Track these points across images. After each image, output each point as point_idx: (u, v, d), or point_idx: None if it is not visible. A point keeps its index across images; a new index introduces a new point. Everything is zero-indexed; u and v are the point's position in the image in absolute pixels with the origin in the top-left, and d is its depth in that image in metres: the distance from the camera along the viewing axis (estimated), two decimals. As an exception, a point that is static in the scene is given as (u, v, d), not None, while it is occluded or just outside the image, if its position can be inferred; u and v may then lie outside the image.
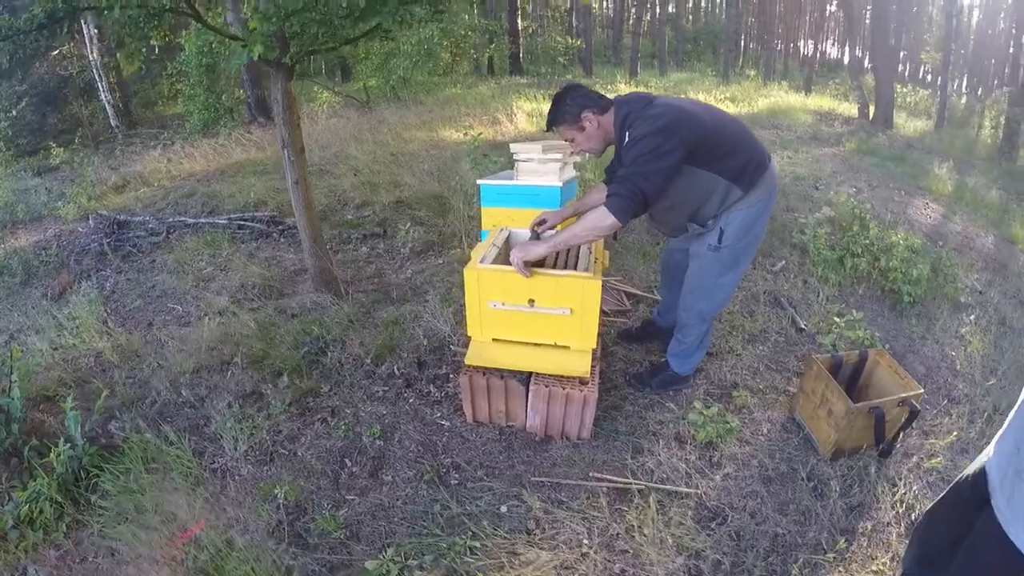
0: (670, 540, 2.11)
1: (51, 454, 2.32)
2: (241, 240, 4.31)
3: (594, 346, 2.45)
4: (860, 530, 2.21)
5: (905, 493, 2.38)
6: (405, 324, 3.29)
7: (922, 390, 2.55)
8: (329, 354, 3.09)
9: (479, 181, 3.48)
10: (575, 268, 2.51)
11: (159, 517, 2.22)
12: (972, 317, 3.80)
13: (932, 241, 4.89)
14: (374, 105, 9.36)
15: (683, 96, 2.39)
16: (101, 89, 10.79)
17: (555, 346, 2.44)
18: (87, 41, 10.45)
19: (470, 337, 2.50)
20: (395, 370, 2.95)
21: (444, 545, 2.10)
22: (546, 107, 9.89)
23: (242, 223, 4.37)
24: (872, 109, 10.81)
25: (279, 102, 3.02)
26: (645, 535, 2.12)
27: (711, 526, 2.17)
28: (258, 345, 3.15)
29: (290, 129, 3.10)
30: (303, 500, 2.31)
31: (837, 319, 3.39)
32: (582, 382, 2.42)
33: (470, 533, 2.14)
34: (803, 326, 3.42)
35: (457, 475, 2.41)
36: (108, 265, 4.34)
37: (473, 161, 4.42)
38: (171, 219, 4.57)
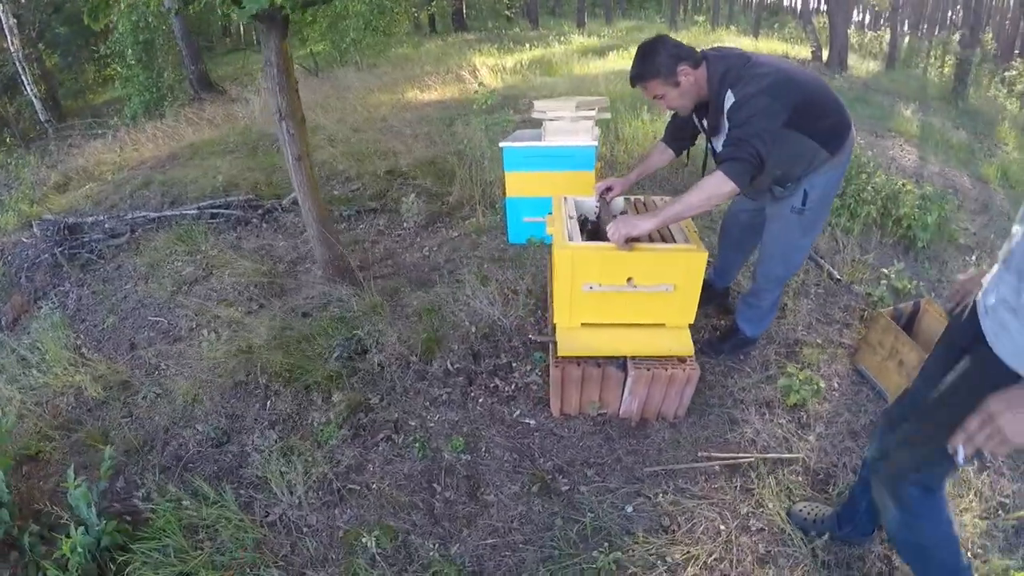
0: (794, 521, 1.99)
1: (63, 546, 1.82)
2: (218, 230, 3.71)
3: (692, 321, 2.21)
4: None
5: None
6: (443, 310, 2.89)
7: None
8: (367, 356, 2.65)
9: (502, 144, 3.15)
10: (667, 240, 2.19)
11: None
12: (974, 257, 3.97)
13: (919, 183, 5.11)
14: (324, 72, 8.71)
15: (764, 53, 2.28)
16: (25, 83, 9.80)
17: (649, 326, 2.20)
18: (6, 32, 9.33)
19: (554, 324, 2.23)
20: (449, 366, 2.57)
21: (584, 565, 1.84)
22: (507, 60, 9.59)
23: (215, 211, 3.77)
24: (826, 52, 11.16)
25: (273, 64, 2.42)
26: (770, 508, 2.02)
27: (826, 489, 2.12)
28: (277, 356, 2.65)
29: (288, 97, 2.50)
30: (401, 544, 1.93)
31: (885, 270, 3.48)
32: (681, 360, 2.19)
33: (606, 544, 1.90)
34: (839, 277, 3.46)
35: (565, 479, 2.11)
36: (66, 278, 3.67)
37: (484, 123, 4.11)
38: (131, 215, 3.87)
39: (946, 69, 11.91)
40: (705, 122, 2.15)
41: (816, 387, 2.47)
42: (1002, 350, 1.16)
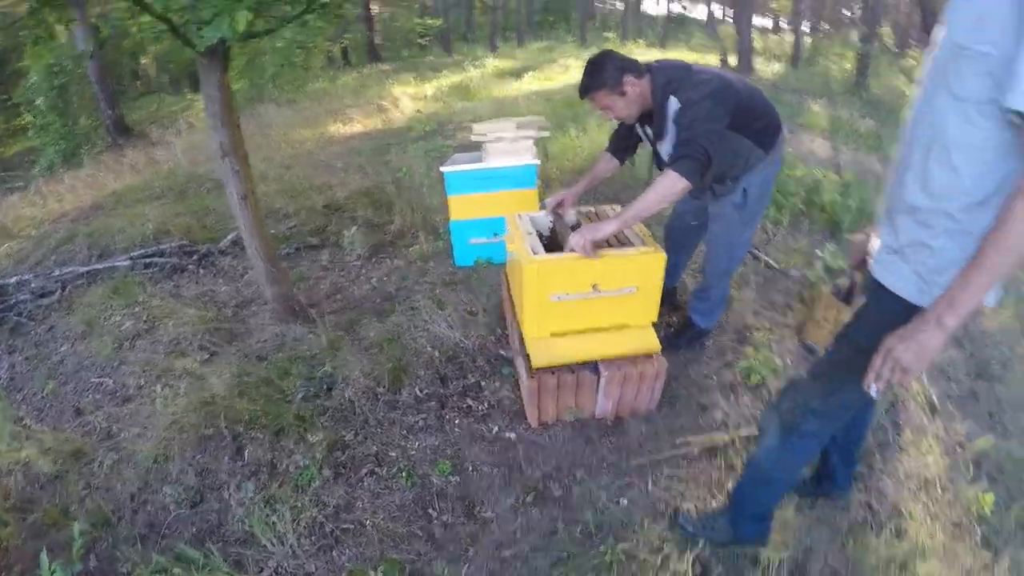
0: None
1: None
2: (154, 280, 3.54)
3: (655, 319, 2.33)
4: (903, 421, 2.53)
5: (919, 386, 2.70)
6: (403, 338, 2.88)
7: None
8: (333, 393, 2.60)
9: (443, 168, 3.19)
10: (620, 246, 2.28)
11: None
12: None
13: (837, 172, 5.51)
14: (243, 110, 8.51)
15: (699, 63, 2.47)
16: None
17: (615, 328, 2.29)
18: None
19: (520, 338, 2.29)
20: (419, 392, 2.58)
21: (595, 560, 1.90)
22: (427, 88, 9.66)
23: (149, 259, 3.59)
24: (733, 58, 11.83)
25: (214, 99, 2.35)
26: None
27: None
28: (240, 404, 2.55)
29: (230, 132, 2.44)
30: (409, 575, 1.95)
31: (818, 251, 3.72)
32: (648, 356, 2.31)
33: (611, 538, 1.97)
34: (775, 265, 3.71)
35: (557, 485, 2.17)
36: None
37: (423, 149, 4.15)
38: (58, 272, 3.63)
39: (848, 64, 12.85)
40: (649, 130, 2.28)
41: (774, 366, 2.64)
42: (892, 284, 1.33)
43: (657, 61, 2.18)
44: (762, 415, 1.86)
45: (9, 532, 2.26)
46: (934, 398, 2.73)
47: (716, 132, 2.03)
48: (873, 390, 1.25)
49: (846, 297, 3.00)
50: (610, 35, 19.84)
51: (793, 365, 2.81)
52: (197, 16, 1.71)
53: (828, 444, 2.00)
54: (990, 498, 2.16)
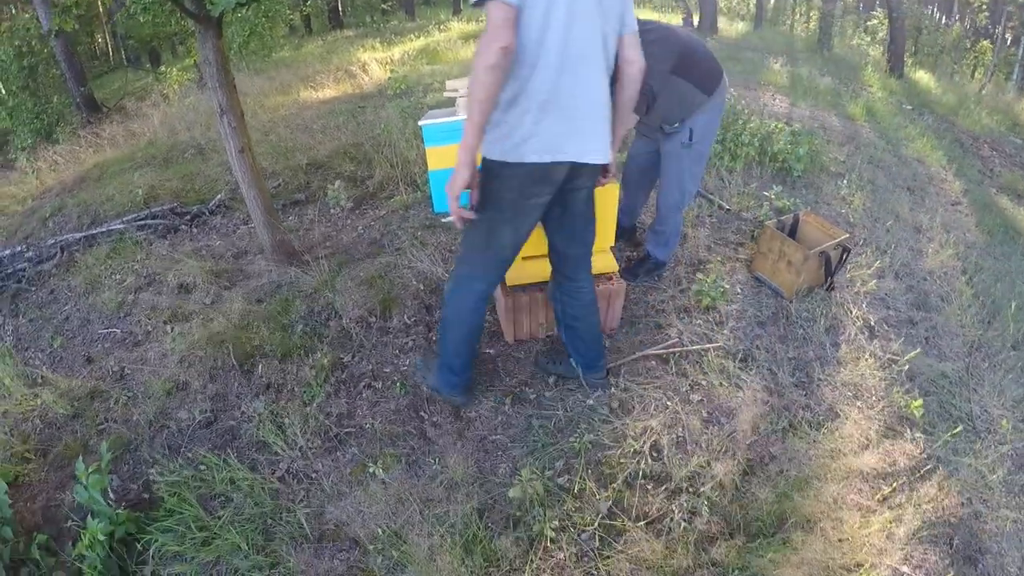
0: (726, 383, 2.56)
1: (82, 538, 1.93)
2: (149, 241, 3.79)
3: (612, 244, 2.67)
4: (841, 340, 2.89)
5: (858, 312, 3.21)
6: (390, 275, 3.18)
7: (848, 234, 3.36)
8: (330, 323, 2.91)
9: (421, 122, 3.43)
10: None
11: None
12: (845, 182, 4.79)
13: (789, 124, 5.94)
14: (206, 82, 8.67)
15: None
16: None
17: None
18: None
19: None
20: (407, 320, 2.88)
21: (565, 448, 2.23)
22: (393, 53, 9.83)
23: (141, 223, 3.85)
24: (696, 17, 12.28)
25: (211, 63, 2.61)
26: (703, 384, 2.55)
27: (747, 365, 2.66)
28: (245, 337, 2.86)
29: (227, 92, 2.70)
30: (405, 465, 2.25)
31: (766, 193, 4.17)
32: (608, 277, 2.66)
33: (579, 430, 2.30)
34: (728, 207, 4.13)
35: (531, 390, 2.50)
36: None
37: (399, 107, 4.47)
38: (53, 240, 3.86)
39: (811, 24, 13.39)
40: None
41: (723, 289, 3.06)
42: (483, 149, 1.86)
43: None
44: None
45: (30, 468, 2.54)
46: (872, 322, 3.20)
47: (660, 73, 2.38)
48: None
49: (790, 231, 3.45)
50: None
51: (742, 292, 3.24)
52: None
53: (568, 342, 2.46)
54: (919, 403, 2.56)
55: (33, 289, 3.66)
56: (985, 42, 15.84)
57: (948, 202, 5.32)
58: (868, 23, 14.46)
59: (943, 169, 6.11)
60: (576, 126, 1.84)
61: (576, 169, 1.91)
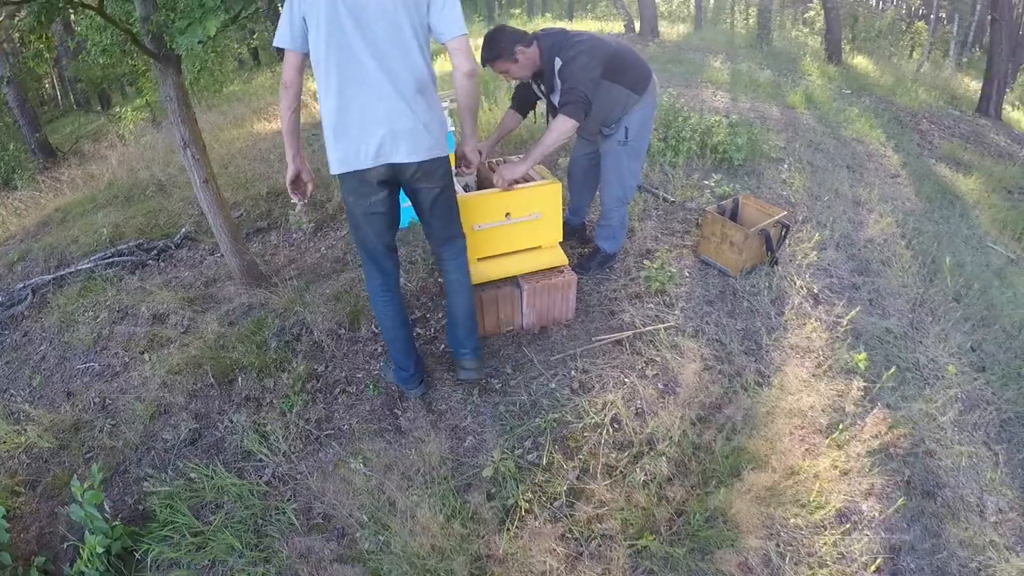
0: (679, 356, 2.79)
1: (81, 556, 2.06)
2: (118, 278, 3.90)
3: (560, 239, 2.91)
4: (788, 311, 3.16)
5: (801, 282, 3.49)
6: (355, 290, 3.36)
7: (786, 212, 3.66)
8: (302, 338, 3.07)
9: None
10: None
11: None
12: (786, 166, 5.12)
13: (726, 116, 6.27)
14: (160, 121, 8.81)
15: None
16: None
17: (530, 250, 2.86)
18: None
19: None
20: (374, 328, 3.05)
21: (532, 428, 2.44)
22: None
23: (109, 260, 3.97)
24: (638, 23, 12.75)
25: (173, 99, 2.77)
26: (658, 360, 2.78)
27: (698, 339, 2.91)
28: (222, 356, 3.01)
29: (189, 126, 2.87)
30: (384, 457, 2.42)
31: (707, 181, 4.44)
32: (560, 271, 2.90)
33: (543, 411, 2.51)
34: (672, 199, 4.39)
35: (497, 380, 2.71)
36: None
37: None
38: (21, 284, 3.97)
39: (751, 21, 14.01)
40: (542, 86, 2.88)
41: (670, 273, 3.31)
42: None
43: (542, 30, 2.78)
44: None
45: (21, 501, 2.64)
46: (815, 290, 3.49)
47: (592, 80, 2.64)
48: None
49: (731, 215, 3.73)
50: (516, 11, 20.55)
51: (690, 275, 3.50)
52: (173, 28, 2.20)
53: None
54: (863, 356, 2.85)
55: (6, 333, 3.76)
56: (920, 23, 16.67)
57: (887, 176, 5.69)
58: (805, 15, 15.15)
59: (882, 146, 6.52)
60: (361, 139, 2.10)
61: (396, 169, 2.18)
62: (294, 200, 2.38)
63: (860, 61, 11.64)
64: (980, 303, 3.57)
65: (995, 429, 2.73)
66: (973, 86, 10.70)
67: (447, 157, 2.27)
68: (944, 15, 17.12)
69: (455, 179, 3.02)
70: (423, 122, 2.13)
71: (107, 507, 2.32)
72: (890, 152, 6.38)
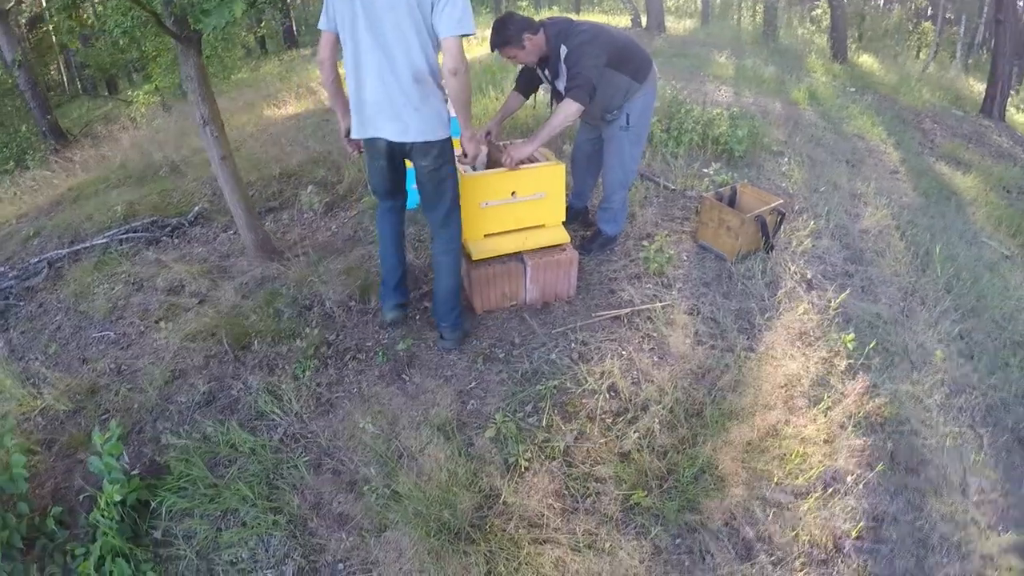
0: (677, 332, 2.93)
1: (98, 504, 2.15)
2: (132, 253, 4.04)
3: (564, 219, 3.06)
4: (781, 294, 3.28)
5: (796, 268, 3.64)
6: (366, 265, 3.50)
7: (782, 200, 3.80)
8: (314, 309, 3.21)
9: None
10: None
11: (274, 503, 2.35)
12: (786, 159, 5.26)
13: (727, 109, 6.39)
14: (170, 105, 8.99)
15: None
16: None
17: (534, 228, 3.00)
18: None
19: (465, 241, 2.92)
20: None
21: (532, 394, 2.58)
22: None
23: (124, 236, 4.11)
24: (644, 17, 12.89)
25: (193, 78, 2.90)
26: (654, 335, 2.92)
27: (694, 317, 3.05)
28: (236, 324, 3.14)
29: (208, 105, 3.00)
30: (392, 418, 2.56)
31: (706, 170, 4.58)
32: (562, 249, 3.05)
33: (544, 378, 2.64)
34: (673, 187, 4.52)
35: (500, 350, 2.84)
36: None
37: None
38: (36, 258, 4.11)
39: (757, 17, 14.13)
40: (547, 71, 3.02)
41: (668, 255, 3.45)
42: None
43: (549, 18, 2.94)
44: None
45: (38, 459, 2.75)
46: (809, 275, 3.63)
47: (597, 67, 2.79)
48: None
49: (729, 202, 3.87)
50: (523, 3, 20.63)
51: (688, 259, 3.65)
52: (198, 9, 2.35)
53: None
54: (851, 337, 2.98)
55: (22, 304, 3.88)
56: (927, 23, 16.77)
57: (886, 171, 5.83)
58: (812, 13, 15.26)
59: (883, 143, 6.65)
60: (369, 115, 2.46)
61: (394, 145, 2.49)
62: (349, 151, 2.79)
63: (866, 60, 11.76)
64: (971, 294, 3.71)
65: (980, 413, 2.86)
66: (978, 88, 10.81)
67: (441, 142, 2.50)
68: (951, 16, 17.21)
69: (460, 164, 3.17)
70: (414, 107, 2.39)
71: (125, 460, 2.45)
72: (891, 149, 6.52)
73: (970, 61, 15.82)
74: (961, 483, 2.50)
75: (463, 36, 2.27)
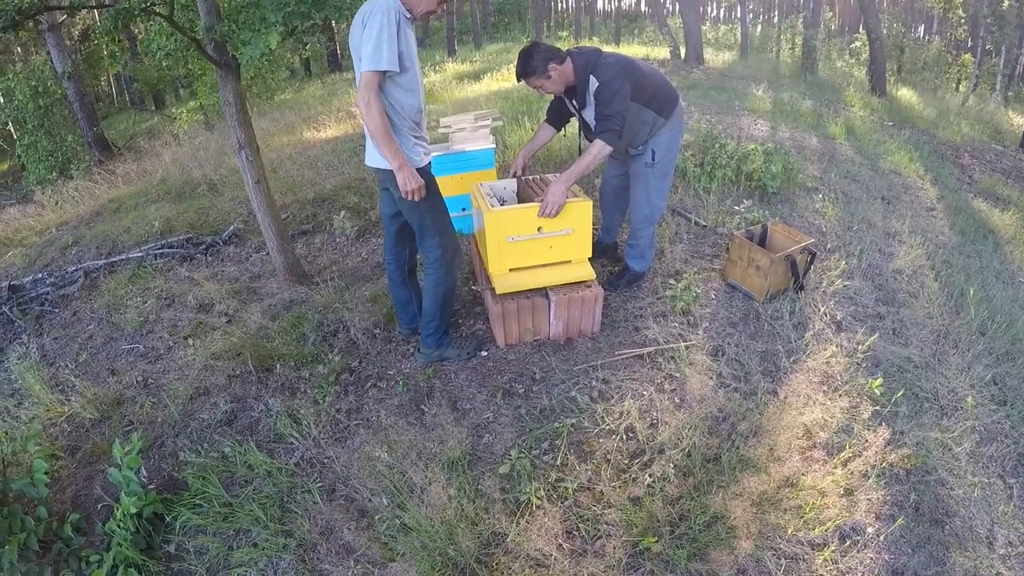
0: (699, 374, 2.89)
1: (115, 515, 2.19)
2: (166, 268, 4.15)
3: (590, 255, 3.04)
4: (809, 336, 3.19)
5: (825, 309, 3.57)
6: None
7: (813, 239, 3.74)
8: (339, 335, 3.25)
9: None
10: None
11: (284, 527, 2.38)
12: (820, 196, 5.18)
13: (762, 144, 6.35)
14: (213, 123, 9.29)
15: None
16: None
17: (559, 263, 3.00)
18: None
19: (488, 273, 2.98)
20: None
21: (549, 431, 2.56)
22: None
23: (159, 251, 4.21)
24: (683, 49, 12.91)
25: (231, 103, 2.99)
26: (676, 376, 2.88)
27: (718, 358, 2.99)
28: (262, 346, 3.20)
29: (245, 130, 3.09)
30: (408, 449, 2.56)
31: (737, 208, 4.55)
32: (588, 285, 3.03)
33: (562, 416, 2.62)
34: (704, 223, 4.48)
35: (520, 385, 2.83)
36: (22, 332, 3.96)
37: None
38: (74, 267, 4.25)
39: (796, 50, 14.07)
40: (575, 101, 3.03)
41: (695, 294, 3.42)
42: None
43: (576, 48, 2.94)
44: None
45: (60, 464, 2.84)
46: (839, 317, 3.55)
47: (627, 106, 2.81)
48: None
49: (760, 240, 3.82)
50: (564, 34, 20.85)
51: (716, 297, 3.60)
52: (236, 39, 2.44)
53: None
54: (879, 382, 2.88)
55: (56, 311, 4.02)
56: (966, 55, 16.48)
57: (923, 208, 5.70)
58: (852, 46, 15.14)
59: (920, 179, 6.51)
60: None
61: (373, 170, 2.70)
62: None
63: (905, 93, 11.59)
64: (1006, 337, 3.58)
65: (1012, 463, 2.75)
66: (1018, 121, 10.57)
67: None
68: (991, 47, 16.87)
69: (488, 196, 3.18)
70: (368, 135, 2.54)
71: (144, 474, 2.51)
72: (927, 185, 6.38)
73: (1010, 93, 15.47)
74: (988, 535, 2.39)
75: (376, 72, 2.33)
